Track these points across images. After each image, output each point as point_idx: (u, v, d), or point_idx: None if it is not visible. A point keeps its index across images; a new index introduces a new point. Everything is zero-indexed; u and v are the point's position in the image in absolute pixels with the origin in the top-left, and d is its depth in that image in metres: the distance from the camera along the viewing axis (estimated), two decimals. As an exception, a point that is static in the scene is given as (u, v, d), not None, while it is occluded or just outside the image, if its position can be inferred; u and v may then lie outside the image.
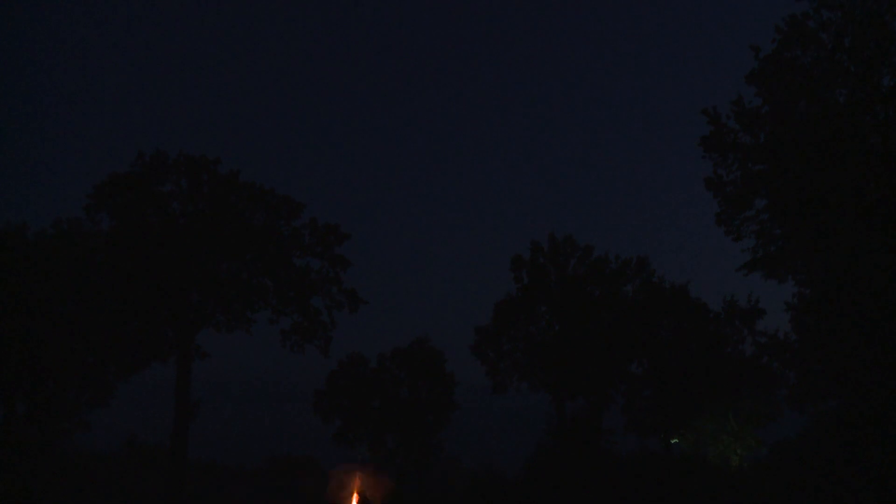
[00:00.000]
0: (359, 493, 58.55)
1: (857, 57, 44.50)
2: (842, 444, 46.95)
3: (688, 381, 59.28)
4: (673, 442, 60.92)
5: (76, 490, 56.66)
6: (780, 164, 46.37)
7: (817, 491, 47.57)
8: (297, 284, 60.98)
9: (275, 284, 61.15)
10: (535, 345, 62.95)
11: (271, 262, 60.92)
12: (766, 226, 49.06)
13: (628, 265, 63.70)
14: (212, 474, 65.87)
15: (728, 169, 48.20)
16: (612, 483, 55.69)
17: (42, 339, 56.48)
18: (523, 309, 63.35)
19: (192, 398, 59.88)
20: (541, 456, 61.81)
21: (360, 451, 62.82)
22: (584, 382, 61.79)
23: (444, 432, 64.09)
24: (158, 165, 60.15)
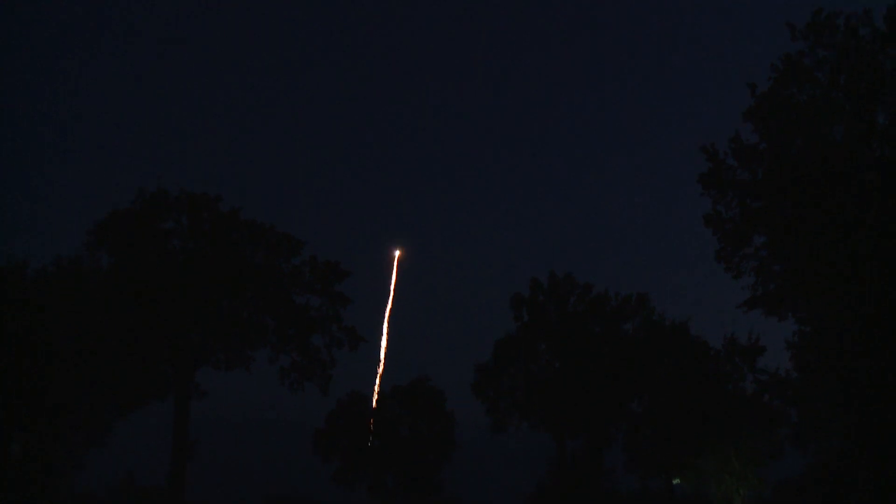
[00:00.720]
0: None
1: (852, 95, 44.96)
2: (845, 483, 46.49)
3: (689, 419, 58.86)
4: (675, 482, 60.30)
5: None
6: (779, 201, 46.59)
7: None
8: (297, 322, 60.89)
9: (275, 322, 61.07)
10: (535, 383, 62.69)
11: (271, 300, 60.89)
12: (765, 263, 49.15)
13: (628, 302, 63.67)
14: (209, 515, 65.13)
15: (727, 206, 48.46)
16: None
17: (40, 376, 56.20)
18: (523, 347, 63.20)
19: (189, 437, 59.43)
20: (541, 495, 61.18)
21: (361, 492, 62.23)
22: (585, 421, 61.39)
23: (445, 471, 63.50)
24: (159, 203, 60.43)
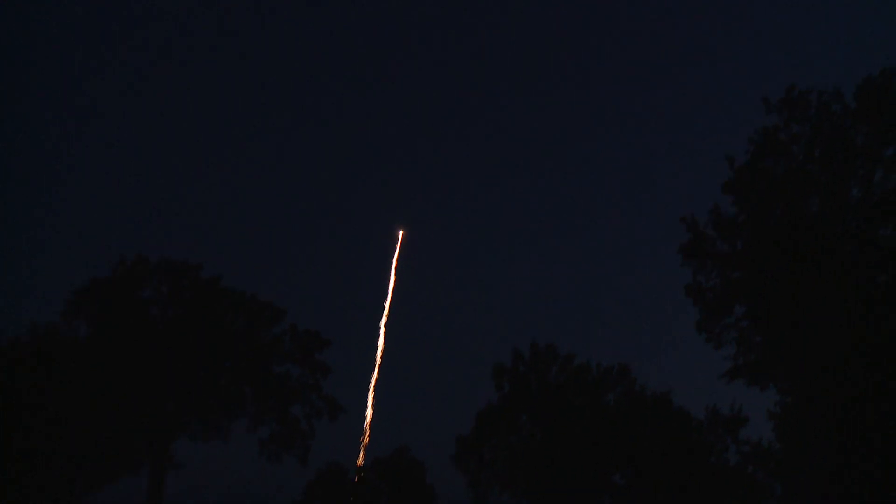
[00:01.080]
0: None
1: (827, 168, 45.99)
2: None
3: (672, 491, 58.17)
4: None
5: None
6: (758, 272, 47.09)
7: None
8: (277, 392, 60.13)
9: (253, 392, 60.26)
10: (517, 454, 61.91)
11: (250, 369, 60.19)
12: (746, 333, 49.39)
13: (610, 373, 63.42)
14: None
15: (707, 276, 48.91)
16: None
17: (7, 448, 54.86)
18: (505, 418, 62.55)
19: (164, 511, 57.95)
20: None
21: None
22: (567, 493, 60.48)
23: (425, 546, 62.07)
24: (139, 271, 60.08)
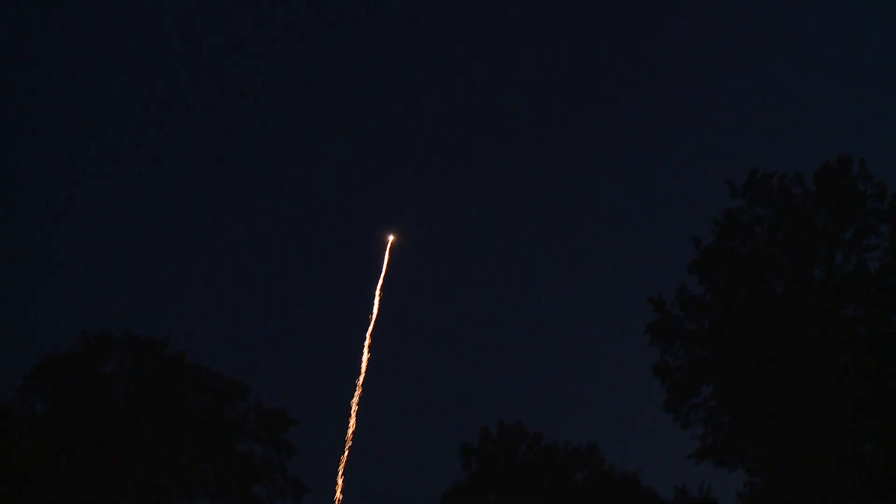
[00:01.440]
0: None
1: (790, 250, 47.15)
2: None
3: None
4: None
5: None
6: (725, 351, 47.63)
7: None
8: (239, 471, 58.72)
9: (215, 470, 58.79)
10: (485, 536, 60.88)
11: (213, 448, 58.86)
12: (714, 412, 49.60)
13: (578, 453, 63.07)
14: None
15: (675, 355, 49.30)
16: None
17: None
18: (472, 497, 61.68)
19: None
20: None
21: None
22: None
23: None
24: (102, 346, 59.06)
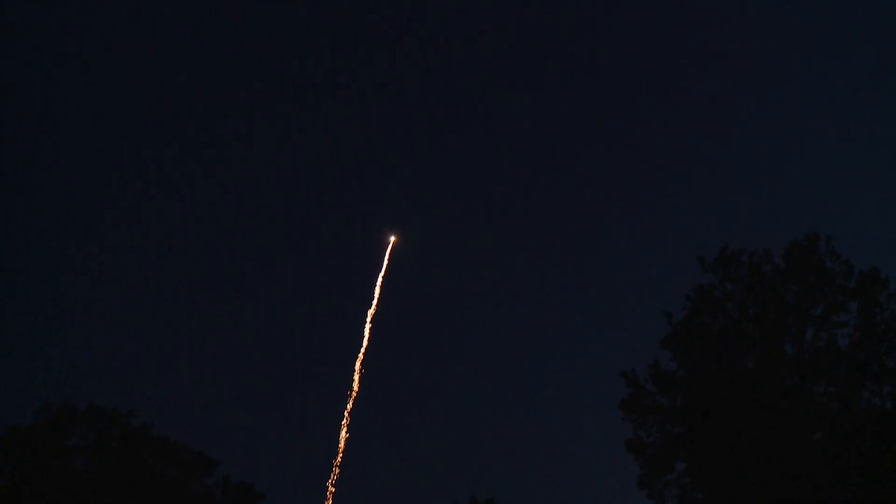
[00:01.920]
0: None
1: (761, 326, 47.51)
2: None
3: None
4: None
5: None
6: (698, 428, 47.46)
7: None
8: (204, 549, 57.16)
9: (179, 549, 57.17)
10: None
11: (177, 525, 57.33)
12: (688, 490, 49.10)
13: (551, 530, 62.18)
14: None
15: (648, 431, 49.00)
16: None
17: None
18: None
19: None
20: None
21: None
22: None
23: None
24: (65, 418, 57.80)
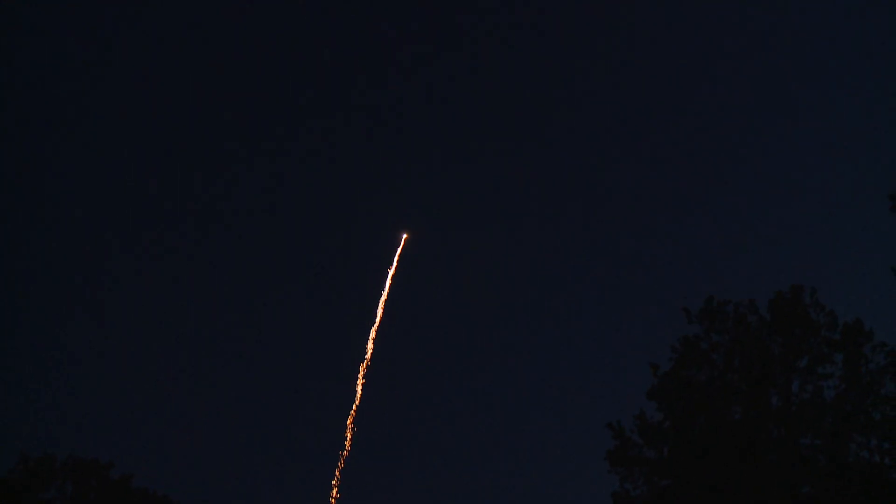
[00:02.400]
0: None
1: (747, 377, 47.45)
2: None
3: None
4: None
5: None
6: (685, 480, 47.06)
7: None
8: None
9: None
10: None
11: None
12: (675, 543, 48.58)
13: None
14: None
15: (634, 483, 48.56)
16: None
17: None
18: None
19: None
20: None
21: None
22: None
23: None
24: (43, 470, 56.78)
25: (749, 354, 47.66)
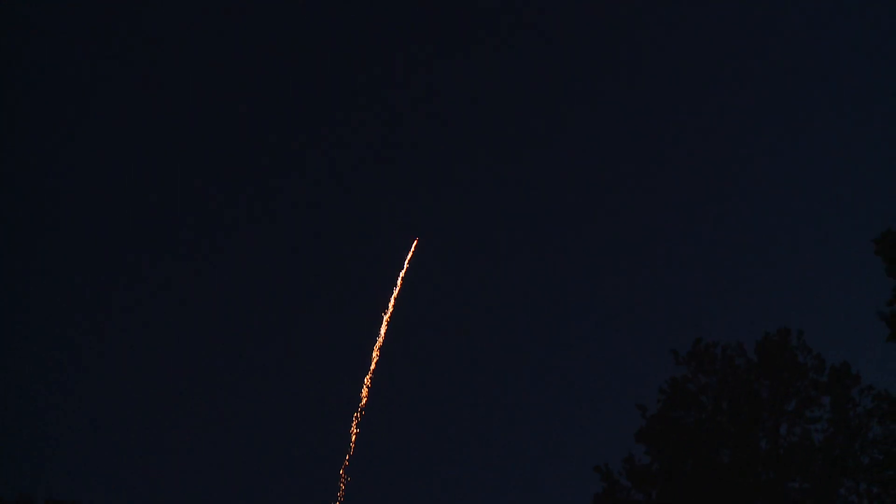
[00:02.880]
0: None
1: (735, 420, 47.41)
2: None
3: None
4: None
5: None
6: (673, 524, 46.76)
7: None
8: None
9: None
10: None
11: None
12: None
13: None
14: None
15: (623, 527, 48.20)
16: None
17: None
18: None
19: None
20: None
21: None
22: None
23: None
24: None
25: (737, 397, 47.64)
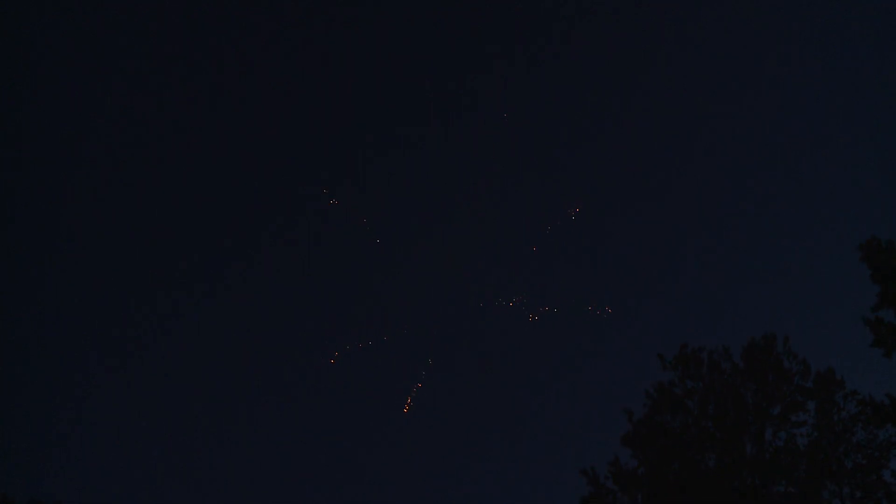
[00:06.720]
0: None
1: (721, 424, 47.69)
2: None
3: None
4: None
5: None
6: (659, 528, 46.93)
7: None
8: None
9: None
10: None
11: None
12: (649, 593, 48.27)
13: None
14: None
15: (609, 531, 48.32)
16: None
17: None
18: None
19: None
20: None
21: None
22: None
23: None
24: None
25: (723, 401, 47.90)
